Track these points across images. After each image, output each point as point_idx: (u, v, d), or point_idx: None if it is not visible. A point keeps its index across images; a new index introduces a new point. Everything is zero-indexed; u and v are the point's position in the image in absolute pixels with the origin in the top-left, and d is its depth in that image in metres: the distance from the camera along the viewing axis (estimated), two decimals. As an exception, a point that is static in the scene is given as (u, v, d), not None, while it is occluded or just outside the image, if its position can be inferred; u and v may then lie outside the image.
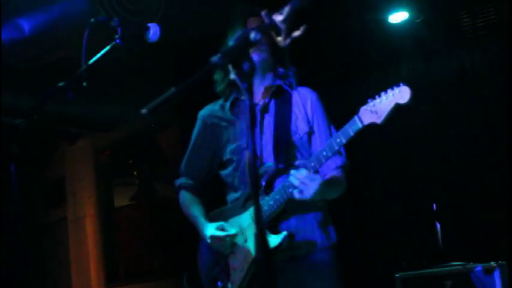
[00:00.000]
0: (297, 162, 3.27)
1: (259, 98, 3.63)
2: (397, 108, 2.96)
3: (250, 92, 2.53)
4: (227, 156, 3.66)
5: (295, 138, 3.53)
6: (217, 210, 3.71)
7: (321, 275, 3.48)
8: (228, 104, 3.71)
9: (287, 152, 3.47)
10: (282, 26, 2.77)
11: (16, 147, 3.01)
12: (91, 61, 3.25)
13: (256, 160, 3.45)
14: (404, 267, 4.92)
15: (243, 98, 3.63)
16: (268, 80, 3.64)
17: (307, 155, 3.50)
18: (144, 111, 2.29)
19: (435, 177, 6.05)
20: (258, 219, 2.42)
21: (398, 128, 6.11)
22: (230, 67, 2.48)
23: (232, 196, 3.68)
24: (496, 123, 5.70)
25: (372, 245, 6.22)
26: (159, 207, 8.49)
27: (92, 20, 3.36)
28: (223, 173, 3.72)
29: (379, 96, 3.04)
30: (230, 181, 3.68)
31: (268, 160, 3.50)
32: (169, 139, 8.15)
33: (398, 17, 6.06)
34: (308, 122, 3.56)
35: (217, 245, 3.53)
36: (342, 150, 3.50)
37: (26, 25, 5.16)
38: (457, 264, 4.76)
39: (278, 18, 2.77)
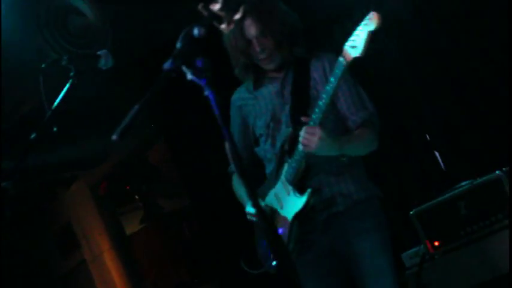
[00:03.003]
0: (302, 118, 3.35)
1: (279, 73, 3.71)
2: (373, 35, 3.07)
3: (212, 86, 2.55)
4: (259, 131, 3.77)
5: (316, 102, 3.55)
6: (263, 185, 3.80)
7: (364, 228, 3.56)
8: (251, 84, 3.81)
9: (307, 116, 3.49)
10: (222, 14, 2.80)
11: (8, 210, 3.02)
12: (54, 105, 3.27)
13: (280, 128, 3.64)
14: (416, 202, 4.95)
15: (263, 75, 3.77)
16: (285, 58, 3.68)
17: (332, 117, 3.56)
18: (114, 137, 2.31)
19: (421, 107, 6.05)
20: (255, 201, 2.48)
21: (372, 68, 6.08)
22: (184, 69, 2.50)
23: (269, 169, 3.78)
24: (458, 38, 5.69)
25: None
26: (169, 222, 8.53)
27: (43, 65, 3.39)
28: (258, 149, 3.82)
29: (355, 29, 3.13)
30: (263, 155, 3.79)
31: (288, 124, 3.59)
32: (158, 155, 8.19)
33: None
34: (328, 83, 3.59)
35: (255, 219, 3.63)
36: (369, 104, 3.61)
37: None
38: (465, 184, 4.79)
39: (215, 7, 2.79)
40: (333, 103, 3.50)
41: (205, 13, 2.73)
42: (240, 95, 3.88)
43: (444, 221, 4.77)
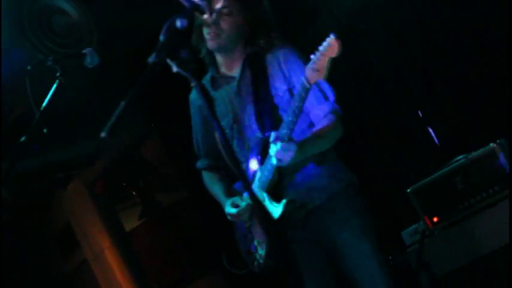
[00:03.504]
0: (272, 135, 3.26)
1: (235, 70, 3.65)
2: (336, 60, 2.98)
3: (198, 77, 2.55)
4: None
5: (277, 100, 3.53)
6: (238, 182, 3.79)
7: (342, 219, 3.54)
8: (207, 83, 3.74)
9: (271, 117, 3.48)
10: (203, 4, 2.78)
11: (4, 214, 3.02)
12: (43, 106, 3.26)
13: (245, 131, 3.58)
14: (412, 179, 4.96)
15: (219, 74, 3.71)
16: (238, 51, 3.63)
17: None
18: (103, 134, 2.31)
19: (411, 84, 6.04)
20: (255, 200, 2.46)
21: (360, 49, 6.05)
22: (169, 61, 2.50)
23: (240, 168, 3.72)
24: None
25: (372, 171, 6.23)
26: (168, 216, 8.54)
27: (28, 67, 3.38)
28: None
29: (317, 51, 3.02)
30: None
31: (255, 129, 3.53)
32: (152, 150, 8.18)
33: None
34: (285, 78, 3.55)
35: (235, 220, 3.61)
36: (330, 94, 3.53)
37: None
38: (460, 159, 4.79)
39: (196, -3, 2.78)
40: (293, 94, 3.47)
41: (186, 4, 2.72)
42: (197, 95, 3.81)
43: (442, 197, 4.79)
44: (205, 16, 3.05)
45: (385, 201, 6.10)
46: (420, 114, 5.79)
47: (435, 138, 5.68)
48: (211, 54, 3.68)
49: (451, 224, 4.73)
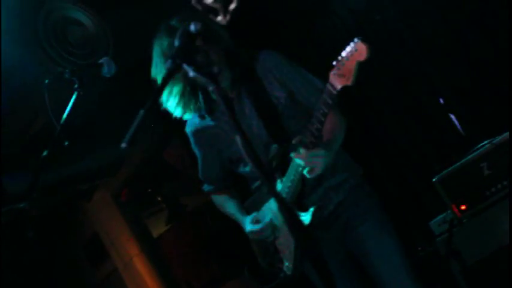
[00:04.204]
0: (293, 141, 3.24)
1: (229, 92, 3.55)
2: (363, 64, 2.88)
3: (216, 80, 2.53)
4: (236, 155, 3.64)
5: (280, 108, 3.50)
6: (250, 199, 3.77)
7: (359, 213, 3.55)
8: (205, 113, 3.64)
9: (281, 127, 3.46)
10: (217, 6, 2.76)
11: (30, 230, 3.02)
12: (63, 119, 3.26)
13: (258, 147, 3.47)
14: (437, 170, 4.91)
15: (210, 88, 3.57)
16: (226, 70, 3.49)
17: (300, 114, 3.49)
18: (123, 144, 2.30)
19: (431, 72, 6.00)
20: (283, 208, 2.43)
21: (377, 40, 6.01)
22: (185, 66, 2.48)
23: (254, 185, 3.72)
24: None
25: (396, 162, 6.20)
26: (194, 219, 8.53)
27: (46, 81, 3.38)
28: (238, 170, 3.73)
29: (341, 56, 2.93)
30: (247, 173, 3.69)
31: (269, 141, 3.49)
32: (174, 153, 8.17)
33: None
34: (282, 84, 3.50)
35: (258, 237, 3.61)
36: (322, 84, 3.47)
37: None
38: (484, 144, 4.74)
39: (208, 0, 2.76)
40: (293, 98, 3.48)
41: (199, 7, 2.71)
42: (196, 127, 3.74)
43: (468, 184, 4.74)
44: (220, 18, 3.02)
45: (412, 192, 6.07)
46: (442, 102, 5.75)
47: (458, 125, 5.64)
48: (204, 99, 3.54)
49: (480, 211, 4.68)
